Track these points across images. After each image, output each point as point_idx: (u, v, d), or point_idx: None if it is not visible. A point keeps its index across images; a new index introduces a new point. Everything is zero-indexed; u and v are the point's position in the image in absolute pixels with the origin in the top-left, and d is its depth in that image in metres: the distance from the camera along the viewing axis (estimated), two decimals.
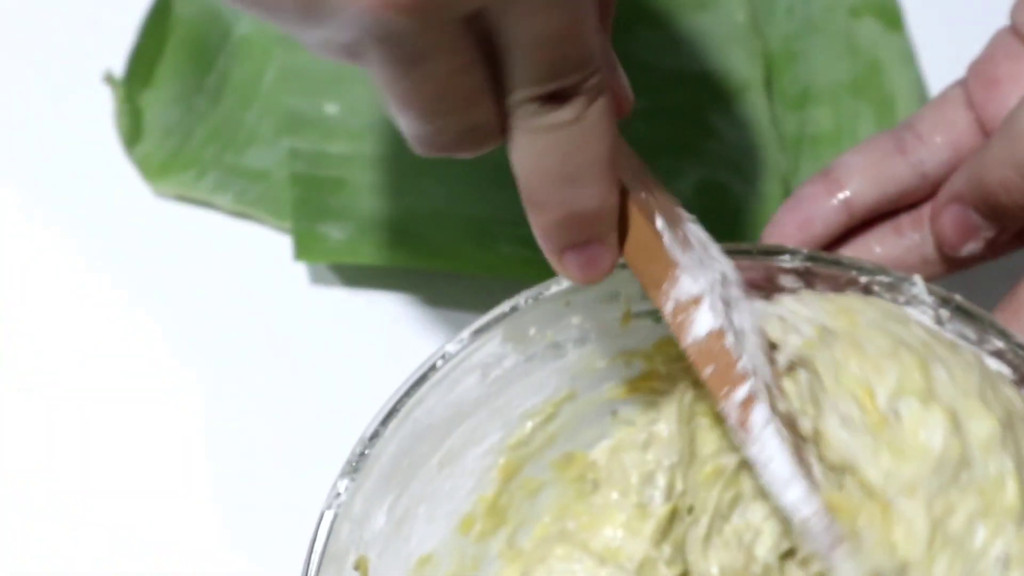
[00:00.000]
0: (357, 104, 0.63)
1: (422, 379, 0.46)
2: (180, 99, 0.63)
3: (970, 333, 0.46)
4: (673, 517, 0.49)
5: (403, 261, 0.59)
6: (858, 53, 0.64)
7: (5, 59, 0.65)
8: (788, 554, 0.50)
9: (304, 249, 0.59)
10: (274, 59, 0.64)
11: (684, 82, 0.63)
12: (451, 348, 0.46)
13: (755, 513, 0.50)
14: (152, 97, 0.63)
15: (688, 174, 0.62)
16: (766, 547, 0.50)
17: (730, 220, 0.61)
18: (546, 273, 0.46)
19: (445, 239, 0.60)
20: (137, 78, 0.63)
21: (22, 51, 0.66)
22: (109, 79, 0.63)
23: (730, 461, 0.50)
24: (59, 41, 0.66)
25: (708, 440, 0.50)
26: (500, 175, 0.61)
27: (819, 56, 0.65)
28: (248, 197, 0.62)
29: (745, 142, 0.62)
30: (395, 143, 0.62)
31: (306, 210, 0.60)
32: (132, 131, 0.62)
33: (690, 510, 0.50)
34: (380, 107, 0.61)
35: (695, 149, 0.62)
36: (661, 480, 0.49)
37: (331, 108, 0.62)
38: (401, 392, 0.46)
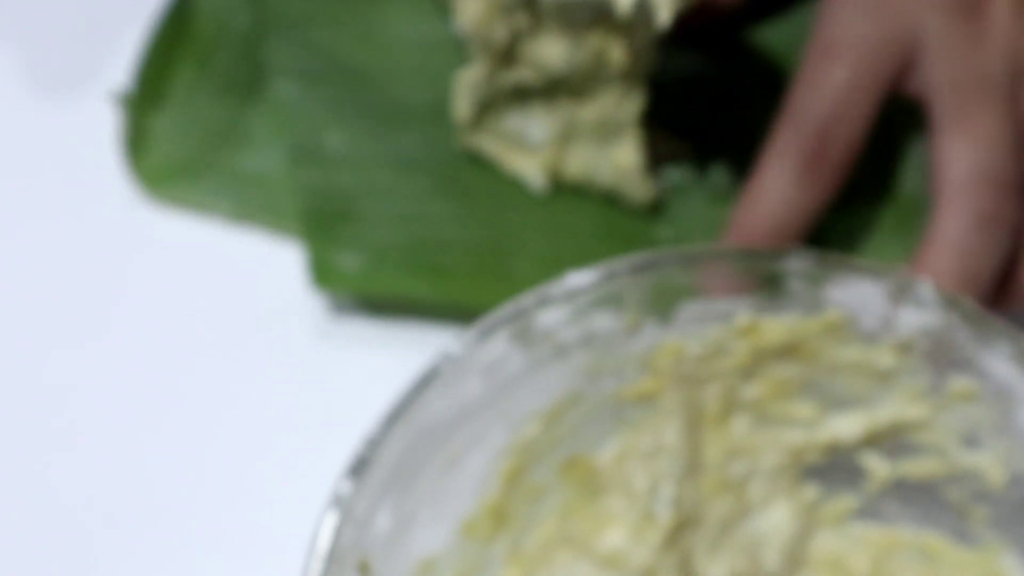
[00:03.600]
0: (358, 135, 0.63)
1: (426, 380, 0.46)
2: (178, 102, 0.63)
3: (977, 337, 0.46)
4: (679, 527, 0.49)
5: (424, 291, 0.59)
6: None
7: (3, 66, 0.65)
8: (797, 558, 0.50)
9: (322, 276, 0.59)
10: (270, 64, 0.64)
11: (680, 87, 0.64)
12: (455, 349, 0.46)
13: (762, 522, 0.50)
14: (156, 109, 0.63)
15: (699, 183, 0.62)
16: (774, 555, 0.50)
17: None
18: None
19: (460, 265, 0.59)
20: (148, 93, 0.63)
21: (18, 57, 0.65)
22: (119, 96, 0.62)
23: (735, 471, 0.50)
24: (55, 46, 0.66)
25: (713, 449, 0.50)
26: (506, 197, 0.62)
27: None
28: (247, 202, 0.61)
29: (751, 148, 0.63)
30: (399, 172, 0.62)
31: (318, 240, 0.60)
32: (137, 143, 0.62)
33: (696, 521, 0.50)
34: (381, 137, 0.62)
35: (702, 157, 0.62)
36: (668, 490, 0.49)
37: (332, 140, 0.62)
38: (405, 394, 0.45)
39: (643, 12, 0.54)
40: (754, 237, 0.55)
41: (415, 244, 0.60)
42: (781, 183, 0.55)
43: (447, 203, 0.61)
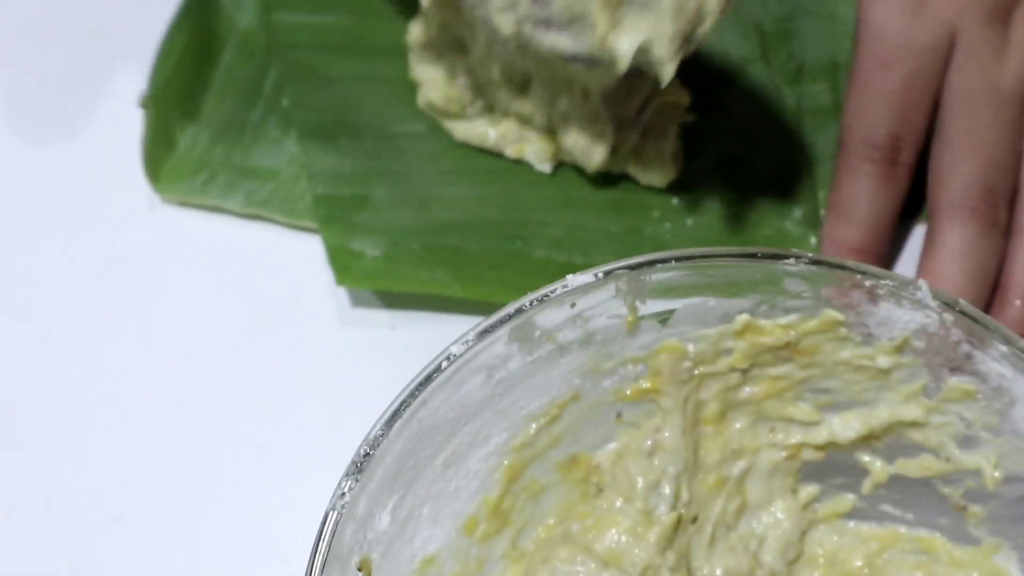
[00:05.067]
0: (366, 124, 0.63)
1: (427, 380, 0.46)
2: (187, 99, 0.63)
3: (973, 338, 0.46)
4: (678, 525, 0.49)
5: (442, 283, 0.59)
6: (849, 33, 0.65)
7: (13, 68, 0.66)
8: (795, 555, 0.50)
9: (342, 271, 0.59)
10: (276, 69, 0.64)
11: (685, 65, 0.64)
12: (456, 349, 0.46)
13: (761, 521, 0.51)
14: (178, 115, 0.63)
15: (706, 152, 0.63)
16: (772, 553, 0.50)
17: (754, 191, 0.62)
18: None
19: (478, 245, 0.60)
20: (168, 99, 0.63)
21: (30, 59, 0.66)
22: (145, 103, 0.62)
23: (733, 470, 0.50)
24: (66, 48, 0.66)
25: (711, 448, 0.50)
26: (519, 176, 0.62)
27: (811, 35, 0.66)
28: (258, 197, 0.62)
29: (756, 114, 0.63)
30: (411, 159, 0.62)
31: (335, 228, 0.60)
32: (158, 152, 0.62)
33: (694, 519, 0.50)
34: (390, 127, 0.62)
35: (709, 127, 0.63)
36: (667, 489, 0.49)
37: (343, 133, 0.62)
38: (406, 393, 0.46)
39: (643, 63, 0.55)
40: (855, 242, 0.58)
41: (432, 228, 0.60)
42: (865, 188, 0.59)
43: (461, 186, 0.62)
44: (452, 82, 0.61)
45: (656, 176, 0.61)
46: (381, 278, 0.59)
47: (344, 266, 0.59)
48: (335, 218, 0.60)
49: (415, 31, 0.62)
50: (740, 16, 0.65)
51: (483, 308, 0.58)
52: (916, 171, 0.60)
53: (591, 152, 0.60)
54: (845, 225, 0.59)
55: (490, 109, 0.62)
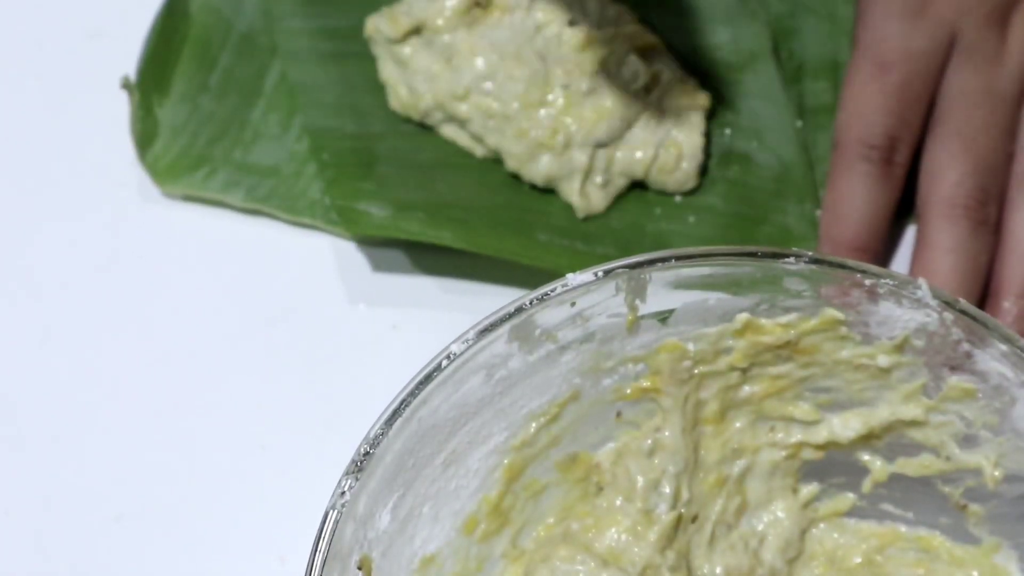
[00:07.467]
0: (369, 115, 0.63)
1: (427, 379, 0.46)
2: (186, 99, 0.64)
3: (973, 337, 0.46)
4: (678, 524, 0.50)
5: (448, 240, 0.59)
6: (849, 32, 0.65)
7: (14, 68, 0.66)
8: (795, 554, 0.50)
9: (350, 222, 0.60)
10: (277, 63, 0.64)
11: (693, 56, 0.64)
12: (456, 348, 0.46)
13: (760, 520, 0.51)
14: (161, 99, 0.63)
15: (709, 149, 0.63)
16: (772, 551, 0.50)
17: (756, 188, 0.62)
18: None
19: (482, 221, 0.60)
20: (151, 83, 0.63)
21: (31, 58, 0.66)
22: (127, 84, 0.63)
23: (733, 469, 0.50)
24: (67, 48, 0.66)
25: (711, 448, 0.50)
26: None
27: (811, 33, 0.66)
28: (258, 193, 0.62)
29: (761, 110, 0.63)
30: (414, 139, 0.62)
31: (340, 191, 0.60)
32: (147, 135, 0.63)
33: (695, 518, 0.50)
34: (393, 114, 0.63)
35: (714, 121, 0.63)
36: (667, 488, 0.50)
37: (345, 123, 0.63)
38: (406, 391, 0.46)
39: None
40: (853, 241, 0.59)
41: (436, 203, 0.60)
42: (861, 189, 0.59)
43: (464, 169, 0.62)
44: (412, 90, 0.62)
45: (673, 185, 0.61)
46: (389, 229, 0.60)
47: (351, 220, 0.60)
48: (341, 181, 0.61)
49: (377, 23, 0.62)
50: (751, 8, 0.65)
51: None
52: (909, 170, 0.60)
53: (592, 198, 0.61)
54: (842, 224, 0.59)
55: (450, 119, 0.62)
